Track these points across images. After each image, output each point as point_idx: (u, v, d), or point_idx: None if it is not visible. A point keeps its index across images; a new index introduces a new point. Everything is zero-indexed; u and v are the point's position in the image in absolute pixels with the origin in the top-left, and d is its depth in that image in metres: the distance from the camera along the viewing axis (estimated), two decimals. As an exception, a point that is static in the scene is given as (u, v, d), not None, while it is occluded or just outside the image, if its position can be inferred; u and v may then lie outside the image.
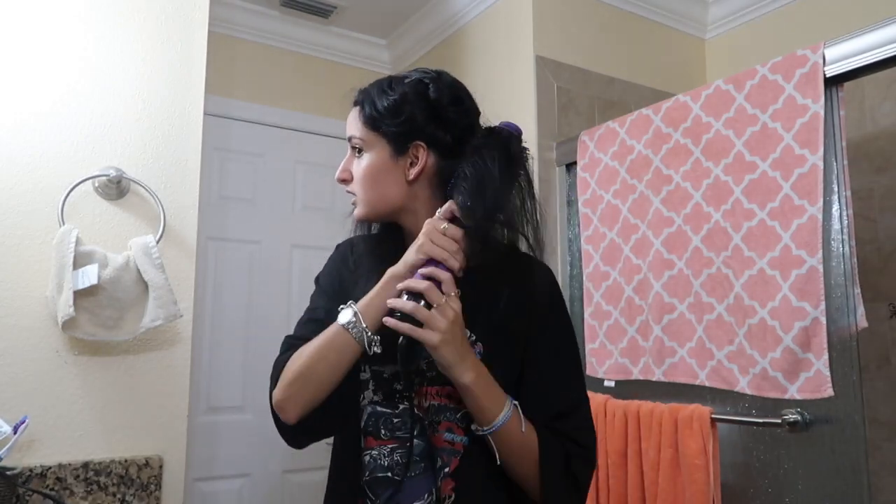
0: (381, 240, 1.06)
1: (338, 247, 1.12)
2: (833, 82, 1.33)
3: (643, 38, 2.34)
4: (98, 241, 1.39)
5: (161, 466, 1.39)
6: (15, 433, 1.20)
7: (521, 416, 0.91)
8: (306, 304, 1.08)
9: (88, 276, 1.30)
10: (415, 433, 0.93)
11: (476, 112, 1.02)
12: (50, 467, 1.28)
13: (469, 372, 0.88)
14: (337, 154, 1.06)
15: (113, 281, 1.33)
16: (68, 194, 1.36)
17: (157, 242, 1.41)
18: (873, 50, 1.25)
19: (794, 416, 1.33)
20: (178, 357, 1.46)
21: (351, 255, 1.07)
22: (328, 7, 2.51)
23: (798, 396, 1.32)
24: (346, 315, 0.91)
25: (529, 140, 2.03)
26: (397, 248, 0.98)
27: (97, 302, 1.32)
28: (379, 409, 0.96)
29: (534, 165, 2.01)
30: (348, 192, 1.02)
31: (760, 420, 1.42)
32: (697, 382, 1.54)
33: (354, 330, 0.90)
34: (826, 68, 1.32)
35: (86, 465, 1.32)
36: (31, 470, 1.26)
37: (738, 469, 1.50)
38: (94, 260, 1.33)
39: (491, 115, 1.03)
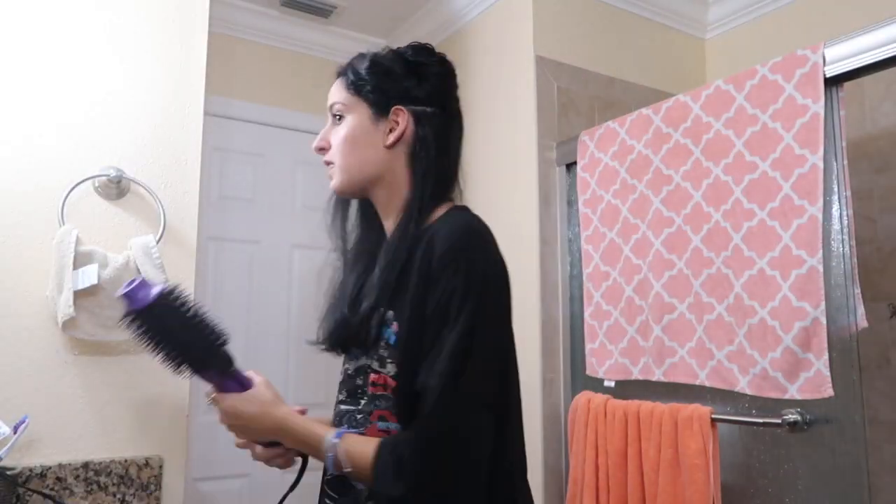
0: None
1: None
2: (833, 82, 1.33)
3: (643, 38, 2.34)
4: (98, 241, 1.39)
5: (161, 466, 1.39)
6: (15, 433, 1.20)
7: (347, 450, 0.89)
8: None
9: (88, 276, 1.30)
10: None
11: (451, 75, 1.03)
12: (50, 467, 1.28)
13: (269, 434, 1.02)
14: (337, 154, 1.05)
15: (113, 281, 1.33)
16: (68, 194, 1.36)
17: (157, 242, 1.41)
18: (873, 50, 1.25)
19: (794, 416, 1.33)
20: (178, 357, 1.46)
21: None
22: (328, 7, 2.51)
23: (798, 396, 1.32)
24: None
25: (529, 140, 2.05)
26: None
27: (97, 302, 1.32)
28: (343, 407, 1.00)
29: (534, 165, 2.03)
30: (326, 161, 1.02)
31: (760, 420, 1.42)
32: (697, 382, 1.54)
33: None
34: (826, 68, 1.32)
35: (86, 465, 1.32)
36: (31, 470, 1.26)
37: (738, 469, 1.50)
38: (94, 260, 1.33)
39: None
